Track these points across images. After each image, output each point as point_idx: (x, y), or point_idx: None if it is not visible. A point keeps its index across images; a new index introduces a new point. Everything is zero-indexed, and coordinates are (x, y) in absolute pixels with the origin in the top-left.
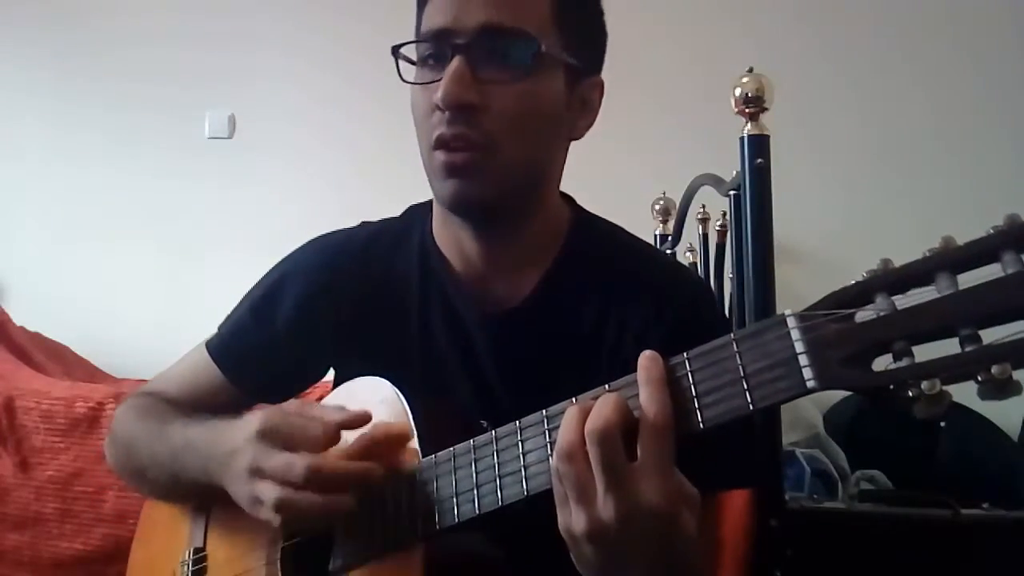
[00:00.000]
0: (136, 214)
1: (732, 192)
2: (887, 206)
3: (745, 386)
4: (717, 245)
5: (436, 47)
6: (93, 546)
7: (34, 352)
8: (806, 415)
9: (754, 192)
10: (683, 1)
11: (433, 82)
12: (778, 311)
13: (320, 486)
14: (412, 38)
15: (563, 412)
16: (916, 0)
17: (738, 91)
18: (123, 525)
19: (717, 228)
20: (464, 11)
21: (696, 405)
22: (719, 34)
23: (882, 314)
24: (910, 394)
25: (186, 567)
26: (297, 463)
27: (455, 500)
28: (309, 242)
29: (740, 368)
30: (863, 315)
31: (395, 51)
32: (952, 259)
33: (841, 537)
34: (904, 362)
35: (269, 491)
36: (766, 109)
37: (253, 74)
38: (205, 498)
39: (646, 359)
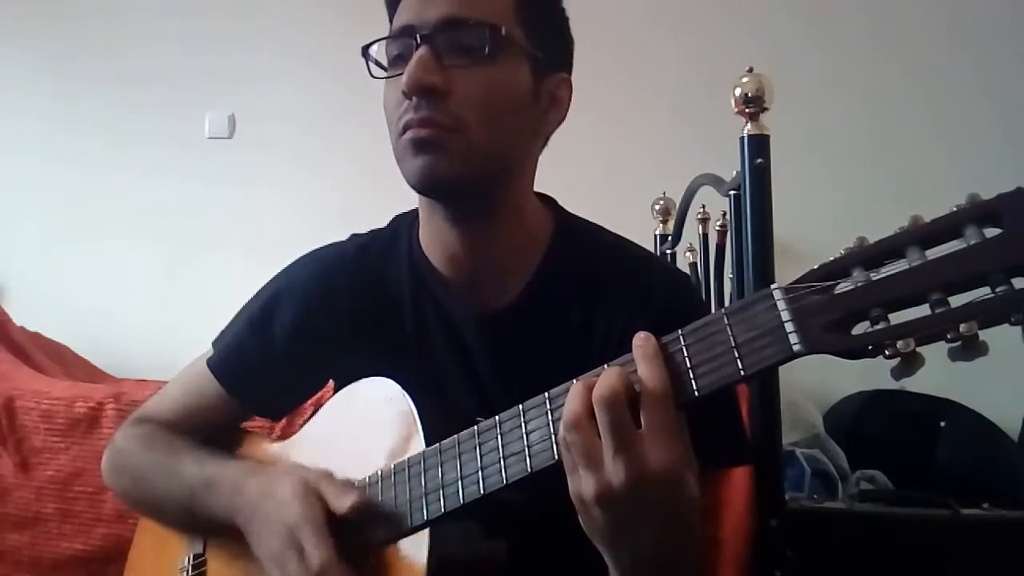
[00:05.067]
0: (136, 214)
1: (732, 192)
2: (887, 206)
3: (736, 355)
4: (717, 245)
5: (402, 44)
6: (93, 546)
7: (34, 352)
8: (806, 415)
9: (754, 192)
10: (683, 1)
11: (400, 74)
12: None
13: None
14: (376, 39)
15: (565, 392)
16: (916, 0)
17: (738, 91)
18: (123, 525)
19: (717, 228)
20: (426, 7)
21: (691, 376)
22: (719, 34)
23: (859, 285)
24: (887, 353)
25: (186, 573)
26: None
27: (460, 483)
28: (301, 257)
29: (731, 339)
30: (842, 287)
31: (364, 52)
32: (921, 234)
33: (841, 537)
34: (880, 326)
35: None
36: (766, 109)
37: (253, 74)
38: (217, 534)
39: (640, 338)
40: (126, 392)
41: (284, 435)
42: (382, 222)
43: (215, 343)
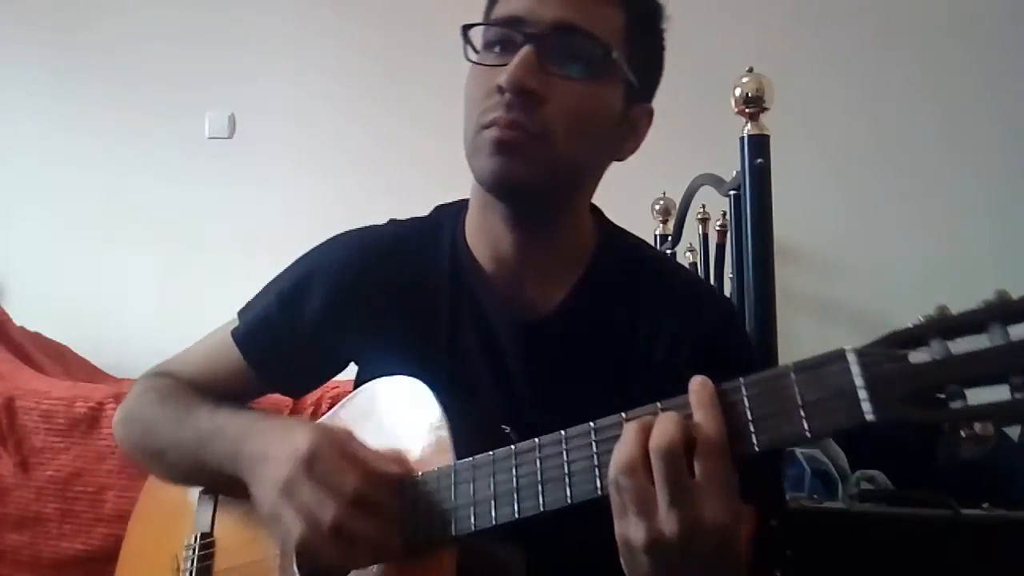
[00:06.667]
0: (136, 214)
1: (732, 192)
2: (887, 206)
3: (802, 414)
4: (717, 245)
5: (506, 34)
6: (93, 546)
7: (34, 352)
8: None
9: (754, 192)
10: (683, 1)
11: (497, 66)
12: (778, 312)
13: (341, 541)
14: (480, 21)
15: (612, 425)
16: (916, 0)
17: (738, 91)
18: (123, 525)
19: (717, 228)
20: (541, 4)
21: (751, 429)
22: (719, 34)
23: (937, 357)
24: (962, 433)
25: (192, 551)
26: (326, 513)
27: (492, 503)
28: (336, 237)
29: (798, 396)
30: (919, 356)
31: (465, 31)
32: (1006, 312)
33: (841, 537)
34: (959, 404)
35: (293, 522)
36: (766, 109)
37: (253, 74)
38: (224, 486)
39: (696, 383)
40: (126, 392)
41: None
42: (381, 221)
43: (241, 313)
